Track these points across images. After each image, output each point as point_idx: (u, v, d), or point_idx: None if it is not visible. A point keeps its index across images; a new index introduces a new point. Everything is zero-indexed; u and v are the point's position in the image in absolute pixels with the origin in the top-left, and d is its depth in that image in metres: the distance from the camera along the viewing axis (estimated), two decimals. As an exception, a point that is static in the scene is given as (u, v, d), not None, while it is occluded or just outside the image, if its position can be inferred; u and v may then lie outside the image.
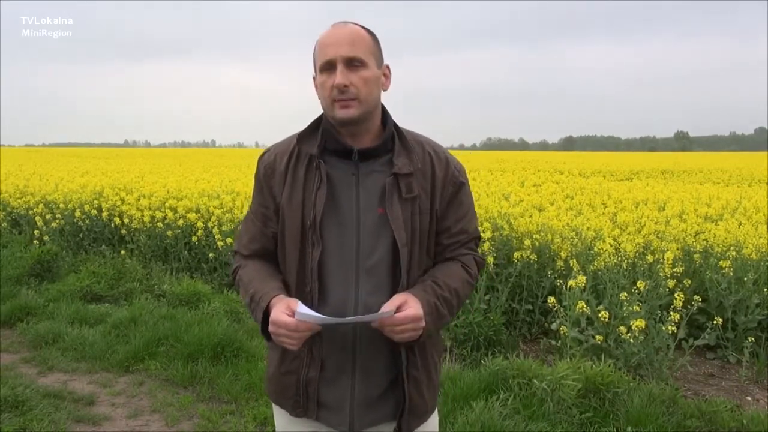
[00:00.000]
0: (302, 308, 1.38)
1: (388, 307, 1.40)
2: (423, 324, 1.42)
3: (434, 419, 1.67)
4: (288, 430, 1.62)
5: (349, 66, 1.42)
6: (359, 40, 1.44)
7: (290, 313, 1.39)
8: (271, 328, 1.41)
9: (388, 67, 1.53)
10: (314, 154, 1.49)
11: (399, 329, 1.40)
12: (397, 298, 1.43)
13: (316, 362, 1.52)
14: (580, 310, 3.80)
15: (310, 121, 1.56)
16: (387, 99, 1.55)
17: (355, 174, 1.49)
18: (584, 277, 4.02)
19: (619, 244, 4.65)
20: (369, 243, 1.47)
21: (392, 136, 1.52)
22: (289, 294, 1.50)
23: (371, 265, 1.47)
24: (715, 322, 4.01)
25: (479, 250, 1.70)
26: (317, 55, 1.46)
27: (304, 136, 1.53)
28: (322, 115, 1.54)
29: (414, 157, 1.51)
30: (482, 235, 4.88)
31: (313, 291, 1.47)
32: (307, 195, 1.48)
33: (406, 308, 1.40)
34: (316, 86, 1.51)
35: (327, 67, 1.44)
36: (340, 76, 1.41)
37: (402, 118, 1.57)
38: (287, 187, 1.51)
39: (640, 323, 3.62)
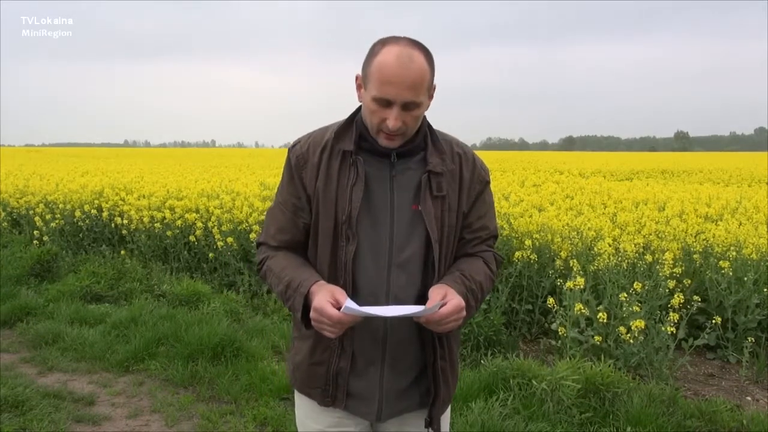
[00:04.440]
0: (350, 303, 1.39)
1: (432, 301, 1.41)
2: (464, 314, 1.44)
3: (448, 407, 1.72)
4: (313, 418, 1.63)
5: (405, 108, 1.41)
6: (422, 82, 1.40)
7: (335, 303, 1.39)
8: (313, 315, 1.41)
9: (435, 87, 1.49)
10: (350, 150, 1.49)
11: (444, 322, 1.42)
12: (438, 291, 1.44)
13: (347, 354, 1.54)
14: (579, 312, 3.81)
15: (342, 116, 1.55)
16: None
17: (391, 171, 1.51)
18: (582, 280, 4.02)
19: (620, 244, 4.65)
20: (402, 239, 1.50)
21: (425, 135, 1.54)
22: None
23: (403, 260, 1.50)
24: (714, 321, 4.01)
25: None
26: (373, 78, 1.41)
27: (340, 133, 1.52)
28: (357, 111, 1.54)
29: (446, 157, 1.54)
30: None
31: (346, 284, 1.48)
32: (341, 190, 1.48)
33: (448, 301, 1.42)
34: (360, 94, 1.49)
35: (383, 102, 1.41)
36: (394, 121, 1.41)
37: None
38: (321, 181, 1.50)
39: (639, 324, 3.62)
